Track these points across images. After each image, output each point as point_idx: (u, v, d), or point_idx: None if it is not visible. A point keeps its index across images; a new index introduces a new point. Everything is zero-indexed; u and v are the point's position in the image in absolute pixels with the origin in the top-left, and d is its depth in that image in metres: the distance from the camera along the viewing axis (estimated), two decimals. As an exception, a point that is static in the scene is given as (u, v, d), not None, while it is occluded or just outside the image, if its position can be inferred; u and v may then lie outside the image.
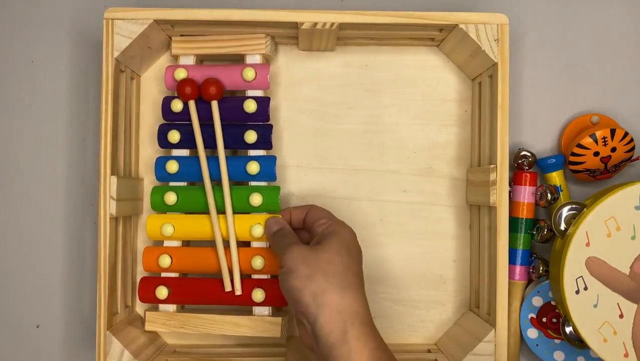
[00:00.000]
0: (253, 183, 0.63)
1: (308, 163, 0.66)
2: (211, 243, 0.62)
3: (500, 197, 0.59)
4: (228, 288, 0.61)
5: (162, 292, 0.62)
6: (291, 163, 0.66)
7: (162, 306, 0.63)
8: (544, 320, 0.65)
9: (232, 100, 0.63)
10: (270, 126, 0.63)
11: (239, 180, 0.63)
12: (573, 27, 0.69)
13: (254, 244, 0.63)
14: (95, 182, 0.66)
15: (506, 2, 0.68)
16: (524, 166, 0.65)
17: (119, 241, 0.62)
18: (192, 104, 0.62)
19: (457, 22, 0.59)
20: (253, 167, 0.62)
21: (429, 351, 0.65)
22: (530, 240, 0.65)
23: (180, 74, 0.63)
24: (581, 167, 0.65)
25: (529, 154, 0.65)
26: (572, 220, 0.60)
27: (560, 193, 0.65)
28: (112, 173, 0.59)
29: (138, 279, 0.65)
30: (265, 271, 0.62)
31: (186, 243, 0.65)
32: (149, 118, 0.66)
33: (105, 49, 0.59)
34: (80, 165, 0.68)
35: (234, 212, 0.62)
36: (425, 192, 0.67)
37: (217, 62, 0.67)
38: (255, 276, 0.62)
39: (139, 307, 0.66)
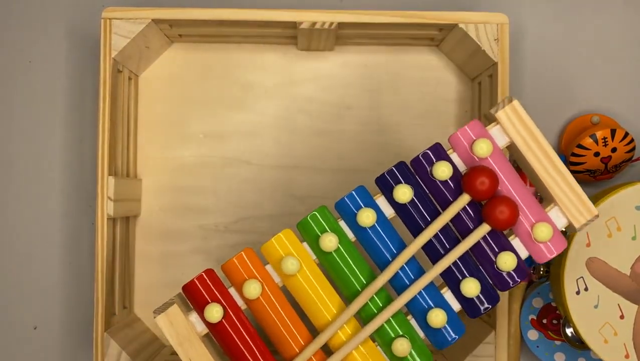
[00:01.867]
0: (413, 324, 0.49)
1: (308, 163, 0.66)
2: (310, 327, 0.50)
3: (500, 197, 0.59)
4: None
5: (213, 311, 0.48)
6: (291, 163, 0.66)
7: (193, 316, 0.49)
8: (545, 321, 0.64)
9: (495, 238, 0.48)
10: (497, 300, 0.49)
11: (409, 311, 0.50)
12: (573, 27, 0.68)
13: None
14: (93, 182, 0.66)
15: (506, 2, 0.68)
16: (524, 166, 0.65)
17: (117, 242, 0.61)
18: (464, 200, 0.48)
19: (456, 22, 0.59)
20: (437, 317, 0.48)
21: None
22: (531, 241, 0.65)
23: (484, 149, 0.47)
24: (582, 167, 0.65)
25: (529, 154, 0.65)
26: (572, 221, 0.60)
27: (561, 193, 0.65)
28: (110, 174, 0.59)
29: (135, 280, 0.65)
30: None
31: (283, 289, 0.50)
32: (147, 118, 0.66)
33: (103, 48, 0.58)
34: (77, 165, 0.67)
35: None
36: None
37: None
38: None
39: (137, 308, 0.65)
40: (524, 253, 0.49)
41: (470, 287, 0.48)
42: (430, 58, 0.67)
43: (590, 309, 0.58)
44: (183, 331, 0.48)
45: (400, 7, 0.67)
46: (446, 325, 0.48)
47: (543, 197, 0.50)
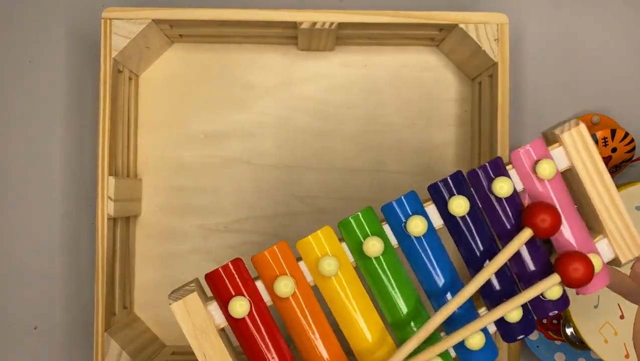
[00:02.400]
0: (448, 346, 0.45)
1: (308, 163, 0.66)
2: (337, 332, 0.47)
3: (500, 197, 0.58)
4: None
5: (238, 306, 0.45)
6: (291, 163, 0.66)
7: (212, 307, 0.46)
8: (545, 321, 0.64)
9: (540, 257, 0.47)
10: (533, 329, 0.47)
11: (443, 328, 0.47)
12: (573, 27, 0.68)
13: None
14: (93, 182, 0.66)
15: (506, 2, 0.68)
16: (524, 166, 0.65)
17: (117, 242, 0.61)
18: (526, 234, 0.45)
19: (456, 22, 0.59)
20: (476, 339, 0.45)
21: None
22: (531, 241, 0.65)
23: (547, 170, 0.45)
24: (581, 167, 0.65)
25: (529, 154, 0.64)
26: (572, 221, 0.60)
27: (561, 193, 0.65)
28: (110, 174, 0.59)
29: (135, 280, 0.65)
30: None
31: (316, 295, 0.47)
32: (147, 118, 0.66)
33: (103, 48, 0.58)
34: (78, 165, 0.67)
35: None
36: (425, 193, 0.66)
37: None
38: None
39: (137, 308, 0.65)
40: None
41: (514, 314, 0.46)
42: (430, 58, 0.67)
43: (590, 309, 0.57)
44: (200, 322, 0.44)
45: (401, 7, 0.67)
46: (484, 347, 0.46)
47: (590, 227, 0.48)
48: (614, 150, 0.63)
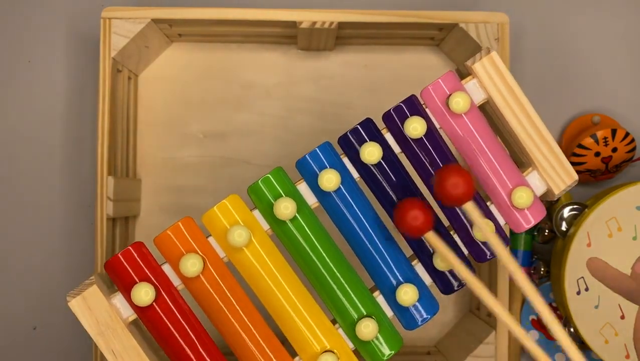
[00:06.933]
0: (380, 301, 0.44)
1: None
2: (259, 306, 0.44)
3: (500, 197, 0.58)
4: None
5: (142, 292, 0.40)
6: (290, 163, 0.66)
7: (117, 299, 0.42)
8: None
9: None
10: (473, 273, 0.41)
11: (376, 286, 0.44)
12: (573, 27, 0.68)
13: None
14: (93, 182, 0.66)
15: (506, 2, 0.68)
16: (524, 166, 0.65)
17: (116, 242, 0.61)
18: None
19: (457, 21, 0.59)
20: (408, 293, 0.42)
21: (429, 353, 0.64)
22: (531, 241, 0.65)
23: (460, 104, 0.43)
24: (582, 167, 0.65)
25: (529, 154, 0.64)
26: (573, 221, 0.59)
27: (561, 193, 0.65)
28: (109, 174, 0.59)
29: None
30: None
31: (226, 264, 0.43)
32: (147, 118, 0.66)
33: (103, 48, 0.58)
34: (77, 165, 0.67)
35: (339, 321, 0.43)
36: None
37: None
38: None
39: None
40: (501, 221, 0.44)
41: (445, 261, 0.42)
42: (431, 57, 0.67)
43: (590, 309, 0.57)
44: (104, 317, 0.41)
45: (401, 6, 0.67)
46: (417, 303, 0.43)
47: (520, 162, 0.46)
48: (614, 150, 0.63)
